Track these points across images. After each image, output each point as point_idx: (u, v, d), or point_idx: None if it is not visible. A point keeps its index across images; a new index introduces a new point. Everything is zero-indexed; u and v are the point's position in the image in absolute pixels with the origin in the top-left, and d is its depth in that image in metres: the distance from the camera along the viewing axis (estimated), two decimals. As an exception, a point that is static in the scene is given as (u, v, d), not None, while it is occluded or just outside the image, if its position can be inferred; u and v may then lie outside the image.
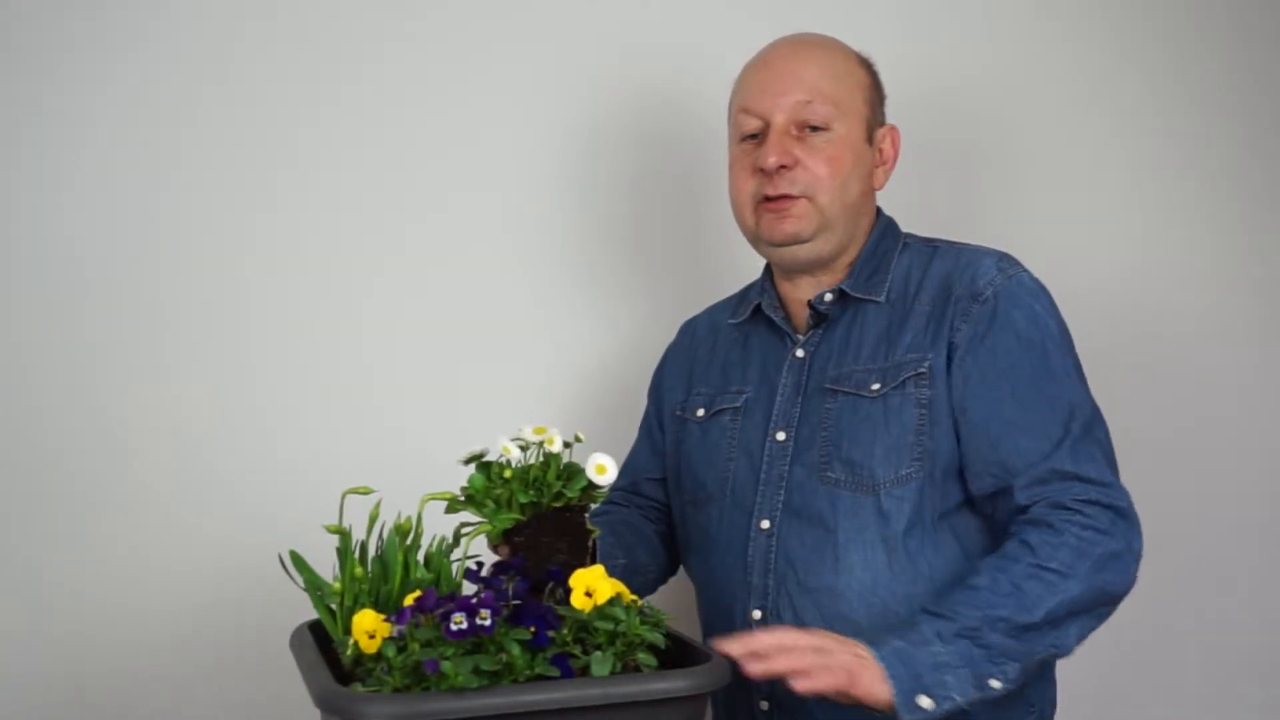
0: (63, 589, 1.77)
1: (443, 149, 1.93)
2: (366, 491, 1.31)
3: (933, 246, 1.56)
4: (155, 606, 1.80)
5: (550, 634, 1.15)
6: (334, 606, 1.28)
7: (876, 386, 1.47)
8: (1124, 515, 1.37)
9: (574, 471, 1.29)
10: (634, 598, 1.20)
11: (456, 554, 1.31)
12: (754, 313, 1.62)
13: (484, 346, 1.94)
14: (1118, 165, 2.20)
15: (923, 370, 1.45)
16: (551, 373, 1.97)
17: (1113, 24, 2.20)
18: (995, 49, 2.16)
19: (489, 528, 1.29)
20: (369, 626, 1.16)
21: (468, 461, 1.31)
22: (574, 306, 1.99)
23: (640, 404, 1.77)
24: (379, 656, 1.15)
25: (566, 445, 1.30)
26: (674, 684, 1.14)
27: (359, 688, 1.13)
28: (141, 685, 1.79)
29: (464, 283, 1.93)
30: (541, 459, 1.29)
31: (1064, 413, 1.41)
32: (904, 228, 1.62)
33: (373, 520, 1.31)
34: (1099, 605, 1.36)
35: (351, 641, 1.17)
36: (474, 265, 1.94)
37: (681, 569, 1.70)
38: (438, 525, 1.32)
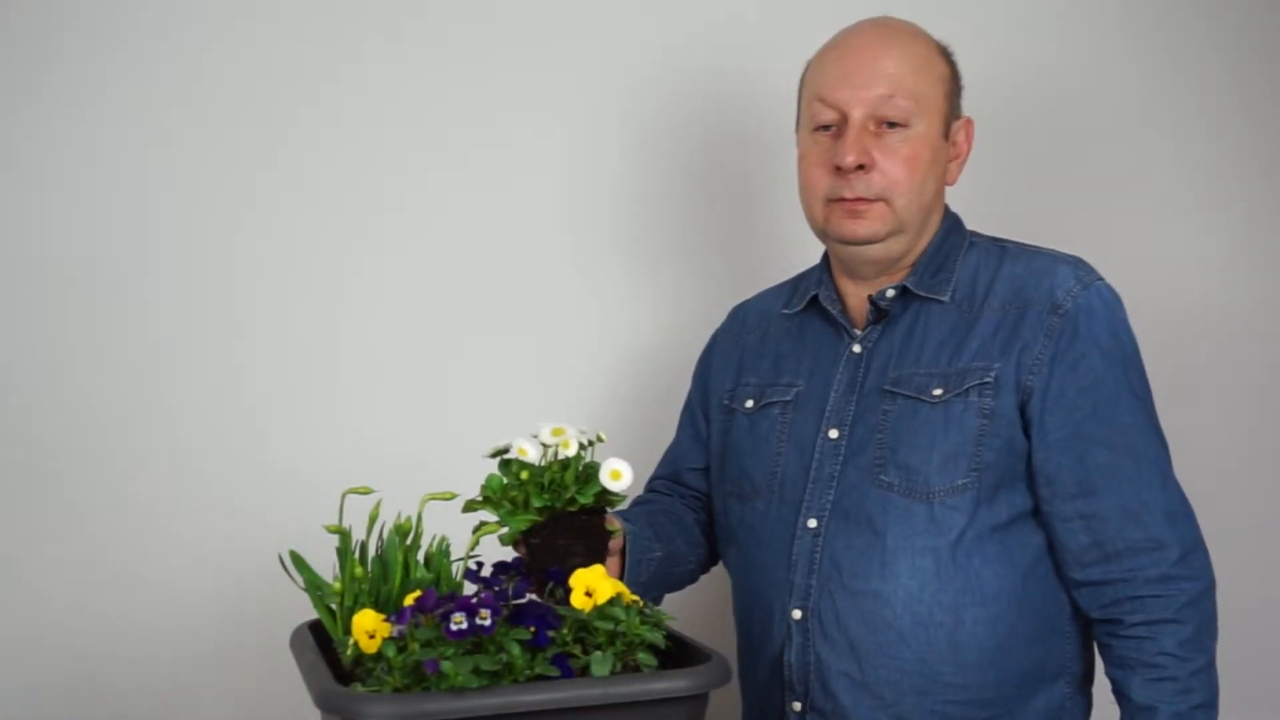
0: (61, 591, 1.77)
1: (463, 141, 1.93)
2: (366, 491, 1.31)
3: (1001, 247, 1.52)
4: (155, 606, 1.80)
5: (550, 634, 1.15)
6: (334, 606, 1.28)
7: (939, 392, 1.43)
8: (1191, 551, 1.39)
9: (591, 474, 1.29)
10: (635, 598, 1.20)
11: (464, 552, 1.31)
12: (809, 304, 1.57)
13: (484, 345, 1.93)
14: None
15: (988, 380, 1.41)
16: (552, 371, 1.96)
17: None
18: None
19: (496, 528, 1.29)
20: (369, 626, 1.16)
21: (493, 455, 1.31)
22: (583, 306, 1.99)
23: (667, 400, 1.75)
24: (379, 656, 1.15)
25: (583, 447, 1.30)
26: (674, 684, 1.14)
27: (359, 688, 1.13)
28: (141, 685, 1.79)
29: (466, 282, 1.93)
30: (560, 460, 1.28)
31: (1143, 432, 1.41)
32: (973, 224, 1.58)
33: (373, 520, 1.31)
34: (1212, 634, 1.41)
35: (351, 641, 1.17)
36: (478, 265, 1.94)
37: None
38: (438, 525, 1.32)
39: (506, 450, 1.31)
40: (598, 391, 1.97)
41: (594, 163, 1.98)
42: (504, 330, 1.94)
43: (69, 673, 1.77)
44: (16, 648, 1.75)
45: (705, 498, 1.67)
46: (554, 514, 1.28)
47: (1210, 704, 1.38)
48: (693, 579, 1.63)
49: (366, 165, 1.89)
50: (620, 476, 1.29)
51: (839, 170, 1.45)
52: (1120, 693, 1.40)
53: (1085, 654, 1.48)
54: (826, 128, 1.48)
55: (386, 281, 1.90)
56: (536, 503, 1.27)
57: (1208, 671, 1.38)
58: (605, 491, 1.29)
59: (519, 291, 1.95)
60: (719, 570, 1.66)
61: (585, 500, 1.28)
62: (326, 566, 1.31)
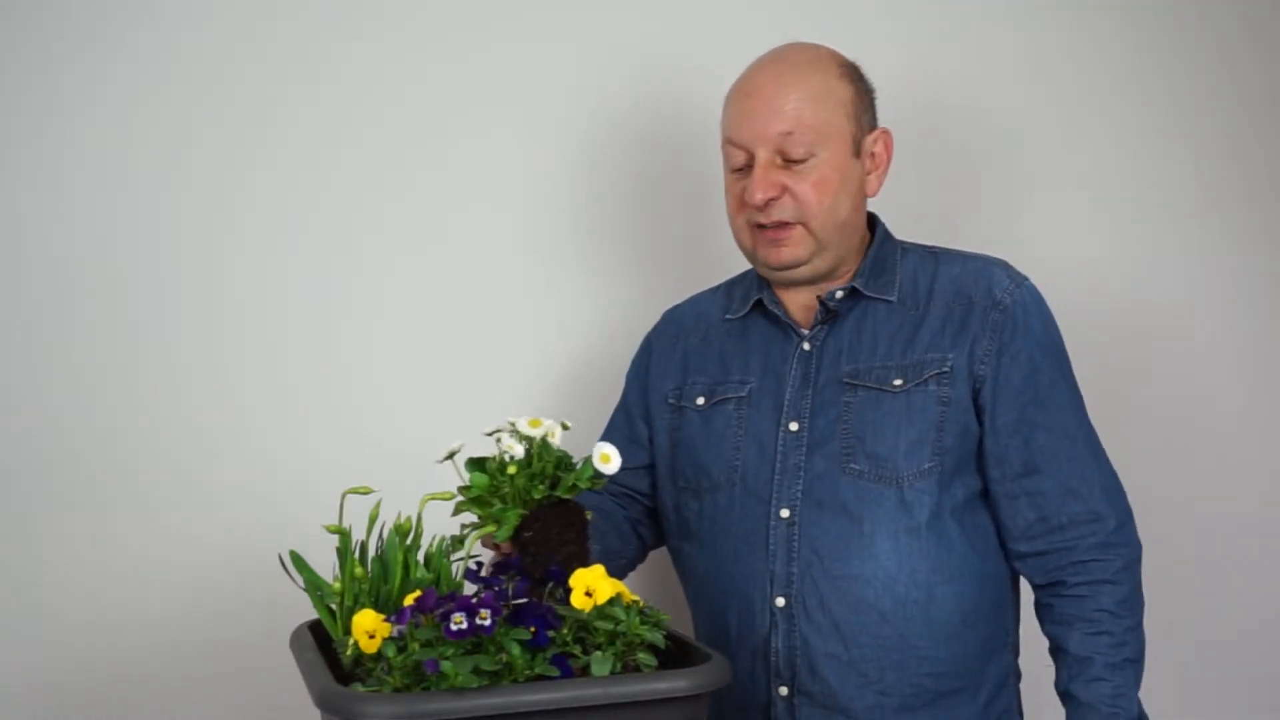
0: (60, 592, 1.77)
1: (444, 148, 1.93)
2: (366, 491, 1.31)
3: (932, 253, 1.61)
4: (155, 607, 1.80)
5: (550, 634, 1.16)
6: (334, 606, 1.28)
7: (899, 382, 1.52)
8: (1125, 522, 1.52)
9: (568, 461, 1.29)
10: (635, 598, 1.21)
11: (459, 554, 1.31)
12: (753, 307, 1.64)
13: (488, 346, 1.93)
14: (1112, 166, 2.19)
15: (945, 370, 1.51)
16: (557, 372, 1.96)
17: (1113, 25, 2.20)
18: (986, 49, 2.15)
19: (494, 527, 1.28)
20: (369, 626, 1.16)
21: (447, 458, 1.31)
22: (573, 303, 1.99)
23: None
24: (379, 656, 1.15)
25: (565, 428, 1.30)
26: (674, 684, 1.14)
27: (359, 688, 1.13)
28: (141, 686, 1.79)
29: (467, 283, 1.93)
30: (541, 452, 1.28)
31: (1076, 415, 1.54)
32: (896, 228, 1.66)
33: (373, 520, 1.31)
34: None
35: (351, 641, 1.17)
36: (476, 266, 1.94)
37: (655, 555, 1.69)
38: (438, 525, 1.32)
39: (456, 452, 1.30)
40: (603, 391, 1.96)
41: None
42: (507, 332, 1.94)
43: (68, 673, 1.77)
44: (15, 649, 1.75)
45: (636, 495, 1.71)
46: (541, 506, 1.29)
47: (1138, 659, 1.49)
48: (622, 575, 1.66)
49: (365, 167, 1.90)
50: (610, 460, 1.30)
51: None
52: (1058, 648, 1.51)
53: (1018, 627, 1.60)
54: (740, 169, 1.56)
55: (387, 282, 1.90)
56: (537, 495, 1.27)
57: (1138, 630, 1.49)
58: (597, 475, 1.30)
59: (520, 294, 1.96)
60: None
61: (583, 485, 1.28)
62: (326, 566, 1.31)
